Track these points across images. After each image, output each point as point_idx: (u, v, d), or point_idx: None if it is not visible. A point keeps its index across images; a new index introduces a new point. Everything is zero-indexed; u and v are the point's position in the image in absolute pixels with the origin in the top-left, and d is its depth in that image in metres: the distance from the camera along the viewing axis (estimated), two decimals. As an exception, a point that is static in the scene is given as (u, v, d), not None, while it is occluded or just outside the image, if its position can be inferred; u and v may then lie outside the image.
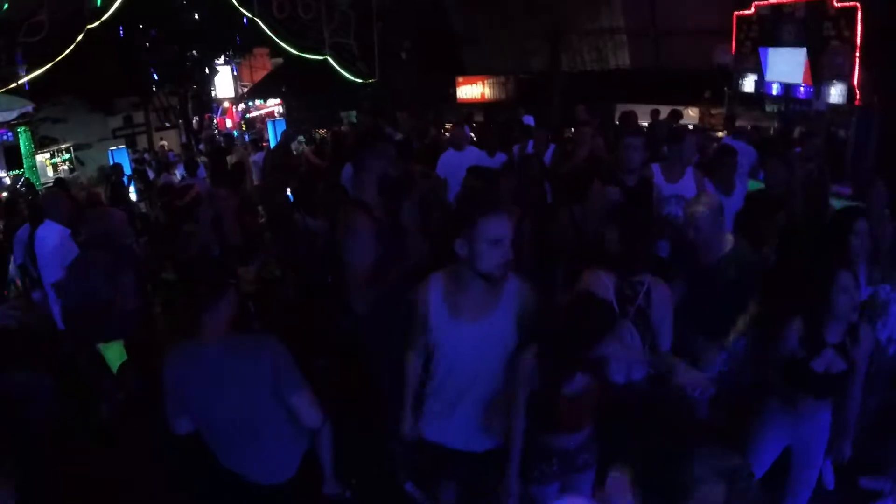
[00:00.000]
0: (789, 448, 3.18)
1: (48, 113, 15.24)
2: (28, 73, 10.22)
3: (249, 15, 11.73)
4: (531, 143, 6.88)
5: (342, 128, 12.90)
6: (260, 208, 9.23)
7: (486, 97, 17.05)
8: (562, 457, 2.70)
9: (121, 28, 13.12)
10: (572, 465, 2.73)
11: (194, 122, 20.67)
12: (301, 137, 13.31)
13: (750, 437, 3.16)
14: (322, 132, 15.85)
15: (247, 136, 19.16)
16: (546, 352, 2.54)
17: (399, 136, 8.13)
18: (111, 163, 13.60)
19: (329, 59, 12.34)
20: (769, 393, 3.12)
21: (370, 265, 3.28)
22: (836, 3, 9.17)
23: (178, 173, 11.13)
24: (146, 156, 15.71)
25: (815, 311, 2.92)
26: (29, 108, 12.28)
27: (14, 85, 10.34)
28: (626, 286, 2.97)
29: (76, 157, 16.49)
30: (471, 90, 17.48)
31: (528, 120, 10.53)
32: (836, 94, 9.37)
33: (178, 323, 4.93)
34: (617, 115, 13.32)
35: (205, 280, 2.51)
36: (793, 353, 2.95)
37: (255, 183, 11.06)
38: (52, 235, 4.88)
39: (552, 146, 6.85)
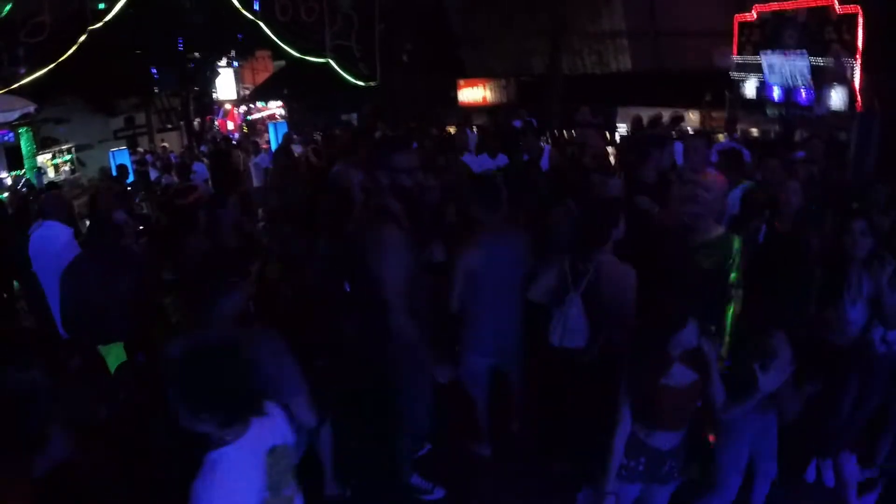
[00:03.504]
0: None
1: (50, 114, 15.26)
2: (29, 73, 10.21)
3: (251, 17, 11.75)
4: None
5: (336, 130, 12.90)
6: (260, 210, 9.26)
7: (487, 100, 17.08)
8: (651, 457, 2.76)
9: (123, 29, 13.13)
10: (657, 471, 2.78)
11: (196, 123, 20.70)
12: (295, 137, 13.33)
13: (722, 449, 3.13)
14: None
15: (234, 136, 19.20)
16: (640, 344, 2.68)
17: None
18: (112, 163, 13.61)
19: (331, 61, 12.35)
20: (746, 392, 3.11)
21: (405, 278, 3.18)
22: (837, 8, 9.17)
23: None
24: (148, 157, 15.72)
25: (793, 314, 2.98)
26: (31, 108, 12.30)
27: (16, 85, 10.34)
28: (580, 261, 3.31)
29: (77, 157, 16.52)
30: (472, 93, 17.51)
31: (532, 122, 10.53)
32: (837, 98, 9.37)
33: (182, 320, 4.90)
34: (618, 117, 13.38)
35: (214, 275, 2.52)
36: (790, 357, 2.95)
37: (256, 185, 11.08)
38: (57, 236, 4.88)
39: (547, 149, 6.87)
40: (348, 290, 3.87)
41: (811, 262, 3.47)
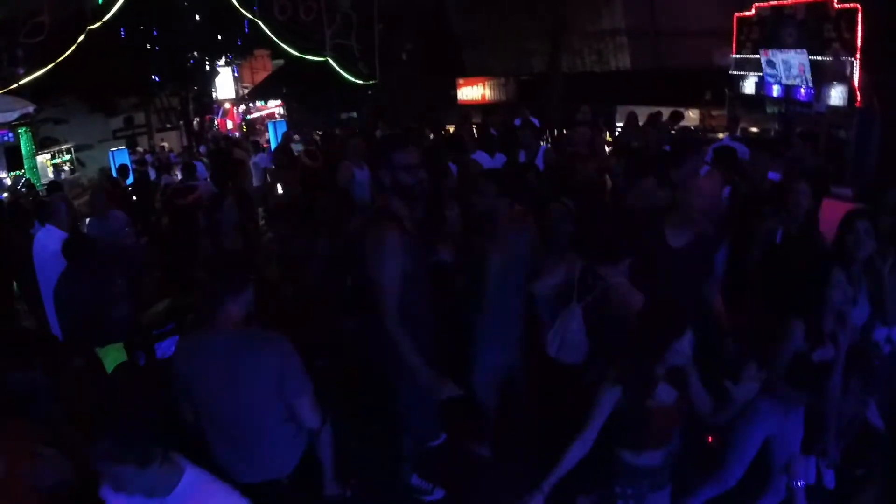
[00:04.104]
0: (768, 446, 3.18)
1: (49, 114, 15.27)
2: (29, 73, 10.22)
3: (250, 16, 11.75)
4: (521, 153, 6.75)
5: (337, 130, 12.90)
6: (260, 210, 9.25)
7: (487, 99, 17.07)
8: (650, 475, 2.71)
9: (122, 29, 13.15)
10: (657, 483, 2.74)
11: (195, 123, 20.70)
12: (296, 137, 13.34)
13: (735, 432, 3.15)
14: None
15: (234, 136, 19.19)
16: (626, 369, 2.56)
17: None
18: (112, 163, 13.61)
19: (330, 60, 12.36)
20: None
21: (402, 283, 3.07)
22: (836, 5, 9.16)
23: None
24: (148, 157, 15.73)
25: (812, 307, 2.93)
26: (30, 108, 12.30)
27: (15, 86, 10.35)
28: (589, 275, 3.11)
29: (77, 157, 16.52)
30: (471, 92, 17.50)
31: (534, 122, 10.51)
32: (836, 95, 9.36)
33: (185, 319, 4.92)
34: (618, 116, 13.36)
35: (227, 273, 2.52)
36: (797, 349, 2.95)
37: (256, 184, 11.07)
38: (52, 240, 4.88)
39: (543, 147, 6.83)
40: (350, 287, 3.86)
41: (827, 261, 3.42)
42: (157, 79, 18.14)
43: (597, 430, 2.61)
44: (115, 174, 11.98)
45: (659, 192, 4.09)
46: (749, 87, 11.39)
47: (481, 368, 3.80)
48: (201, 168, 10.44)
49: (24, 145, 14.10)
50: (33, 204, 9.12)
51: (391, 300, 3.04)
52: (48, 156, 15.51)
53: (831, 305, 2.89)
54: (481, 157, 6.47)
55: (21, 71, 10.19)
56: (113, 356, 4.17)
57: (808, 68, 9.67)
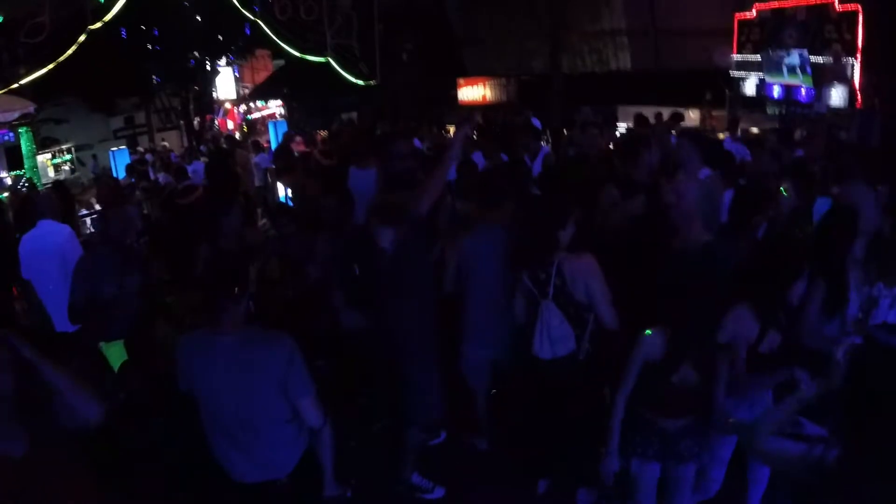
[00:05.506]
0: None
1: (49, 114, 15.29)
2: (29, 73, 10.23)
3: (251, 16, 11.75)
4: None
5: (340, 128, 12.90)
6: (259, 210, 9.26)
7: (487, 99, 17.09)
8: (662, 437, 2.76)
9: (122, 29, 13.16)
10: (674, 451, 2.79)
11: (195, 123, 20.69)
12: (298, 138, 13.34)
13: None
14: (323, 133, 15.90)
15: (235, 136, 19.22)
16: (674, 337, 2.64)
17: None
18: (112, 163, 13.63)
19: (330, 60, 12.35)
20: None
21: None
22: (837, 6, 9.17)
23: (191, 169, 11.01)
24: (148, 157, 15.75)
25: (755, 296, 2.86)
26: (30, 108, 12.32)
27: (15, 85, 10.36)
28: (539, 270, 3.18)
29: (77, 157, 16.54)
30: (472, 92, 17.51)
31: (536, 122, 10.51)
32: (836, 96, 9.37)
33: (183, 321, 4.94)
34: (618, 116, 13.36)
35: (230, 273, 2.53)
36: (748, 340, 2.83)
37: (257, 184, 11.07)
38: (56, 233, 4.91)
39: (544, 150, 6.83)
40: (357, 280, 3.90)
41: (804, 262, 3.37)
42: (157, 79, 18.15)
43: (635, 374, 2.70)
44: (122, 174, 12.01)
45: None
46: (749, 87, 11.41)
47: (463, 359, 3.90)
48: (202, 168, 10.44)
49: (25, 145, 14.11)
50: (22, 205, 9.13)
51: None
52: (48, 155, 15.53)
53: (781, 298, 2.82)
54: (477, 158, 6.47)
55: (21, 71, 10.19)
56: (117, 354, 4.17)
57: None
